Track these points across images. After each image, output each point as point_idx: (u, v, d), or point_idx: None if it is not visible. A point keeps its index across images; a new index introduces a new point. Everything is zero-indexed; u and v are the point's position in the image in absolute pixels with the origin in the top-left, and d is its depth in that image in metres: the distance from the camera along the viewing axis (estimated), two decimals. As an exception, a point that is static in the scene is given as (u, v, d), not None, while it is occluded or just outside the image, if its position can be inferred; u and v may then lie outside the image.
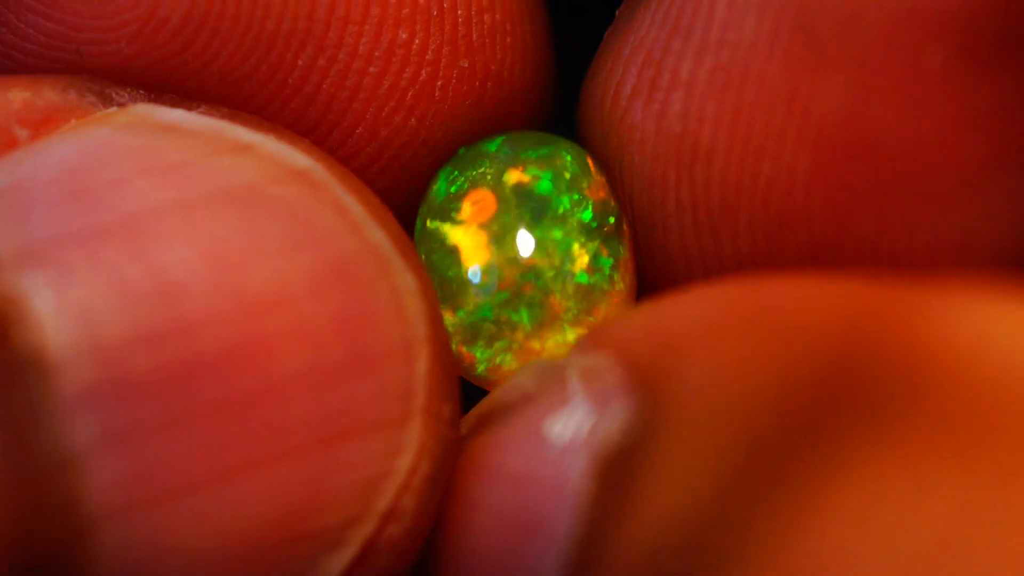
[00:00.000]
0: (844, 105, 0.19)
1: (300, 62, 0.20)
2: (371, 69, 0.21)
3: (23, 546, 0.16)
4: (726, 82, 0.20)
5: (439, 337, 0.19)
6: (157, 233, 0.17)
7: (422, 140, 0.21)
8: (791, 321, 0.17)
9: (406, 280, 0.18)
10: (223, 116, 0.19)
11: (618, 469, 0.17)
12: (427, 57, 0.21)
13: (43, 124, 0.19)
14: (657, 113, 0.20)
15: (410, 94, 0.21)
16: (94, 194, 0.18)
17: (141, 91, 0.20)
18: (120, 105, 0.19)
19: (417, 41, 0.21)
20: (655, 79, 0.20)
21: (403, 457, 0.18)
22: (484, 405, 0.20)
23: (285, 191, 0.18)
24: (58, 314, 0.17)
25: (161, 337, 0.17)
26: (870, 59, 0.19)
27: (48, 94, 0.19)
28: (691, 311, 0.18)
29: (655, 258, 0.21)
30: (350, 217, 0.18)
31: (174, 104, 0.19)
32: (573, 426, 0.18)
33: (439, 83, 0.21)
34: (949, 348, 0.15)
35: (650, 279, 0.21)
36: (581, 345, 0.19)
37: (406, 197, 0.22)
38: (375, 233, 0.18)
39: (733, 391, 0.16)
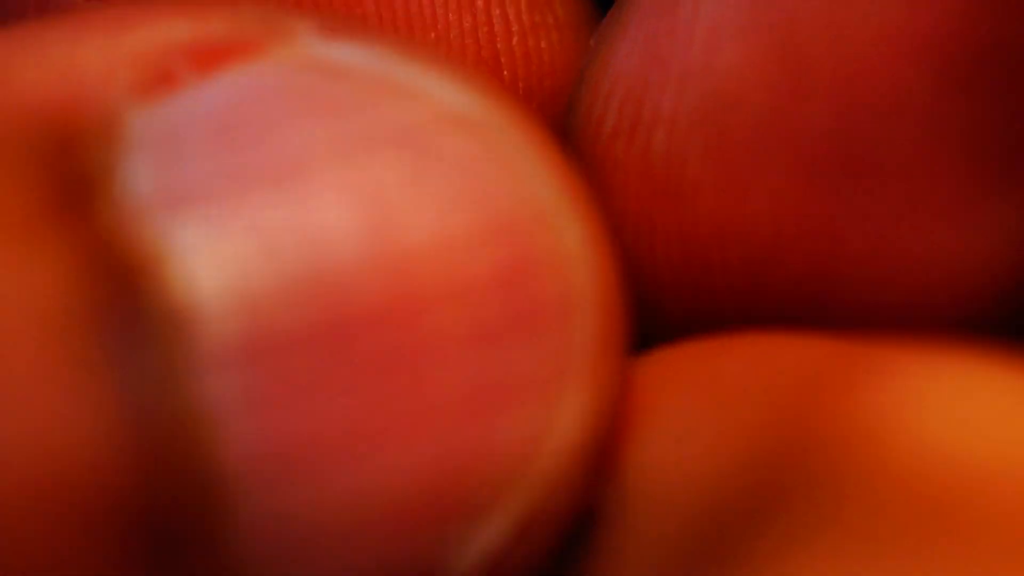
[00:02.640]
0: (831, 129, 0.19)
1: None
2: None
3: (155, 513, 0.15)
4: (710, 113, 0.19)
5: (608, 304, 0.18)
6: (311, 179, 0.16)
7: None
8: (737, 393, 0.17)
9: (572, 242, 0.18)
10: (397, 51, 0.18)
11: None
12: None
13: (207, 61, 0.17)
14: (640, 151, 0.20)
15: None
16: (249, 137, 0.17)
17: (309, 19, 0.18)
18: (286, 37, 0.18)
19: None
20: (636, 115, 0.20)
21: (559, 424, 0.17)
22: None
23: (450, 142, 0.17)
24: (203, 264, 0.16)
25: (311, 292, 0.16)
26: (855, 82, 0.18)
27: (216, 26, 0.18)
28: (641, 379, 0.18)
29: (647, 297, 0.21)
30: (518, 174, 0.18)
31: (342, 36, 0.18)
32: None
33: None
34: (895, 424, 0.15)
35: (643, 318, 0.21)
36: None
37: None
38: (543, 190, 0.18)
39: (681, 466, 0.17)
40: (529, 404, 0.17)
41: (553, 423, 0.17)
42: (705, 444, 0.17)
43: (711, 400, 0.17)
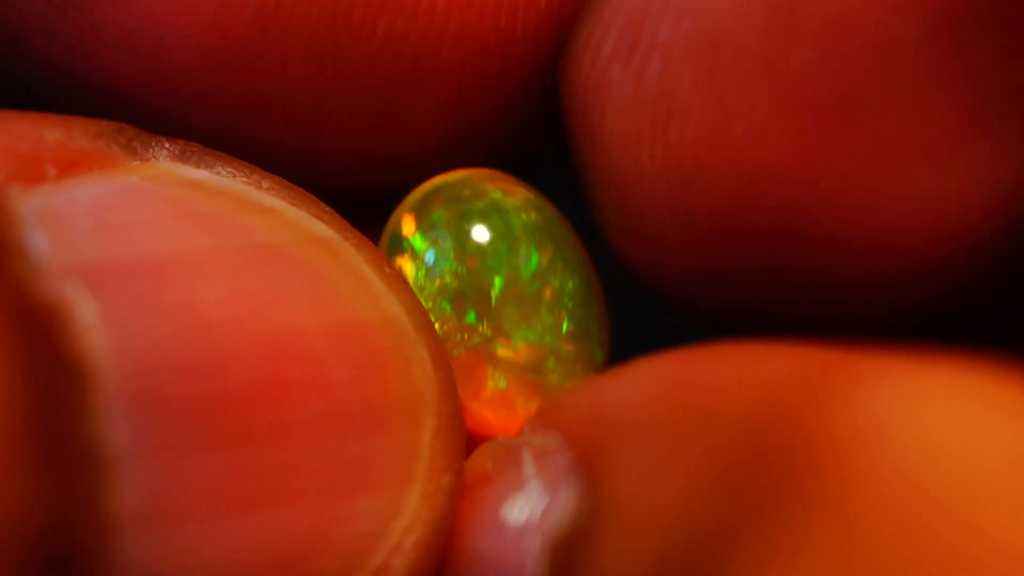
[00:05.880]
0: (818, 71, 0.19)
1: (379, 30, 0.21)
2: (452, 26, 0.21)
3: (49, 538, 0.17)
4: (703, 45, 0.20)
5: (448, 410, 0.20)
6: (192, 272, 0.18)
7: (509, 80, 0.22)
8: (715, 406, 0.18)
9: (419, 352, 0.19)
10: (247, 177, 0.20)
11: (568, 553, 0.18)
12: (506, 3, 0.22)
13: (72, 166, 0.19)
14: (635, 74, 0.21)
15: (494, 41, 0.22)
16: (130, 229, 0.19)
17: (167, 144, 0.20)
18: (144, 160, 0.20)
19: None
20: (634, 41, 0.21)
21: (400, 519, 0.19)
22: None
23: (309, 254, 0.19)
24: (101, 324, 0.18)
25: (194, 364, 0.18)
26: (844, 28, 0.19)
27: (79, 139, 0.20)
28: (626, 391, 0.19)
29: (627, 216, 0.22)
30: (367, 285, 0.20)
31: (199, 162, 0.20)
32: (528, 509, 0.19)
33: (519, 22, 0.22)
34: (868, 439, 0.16)
35: (621, 238, 0.22)
36: (534, 423, 0.20)
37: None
38: (392, 305, 0.20)
39: (660, 482, 0.17)
40: (376, 493, 0.19)
41: (396, 516, 0.19)
42: (683, 465, 0.17)
43: (690, 415, 0.18)
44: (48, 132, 0.20)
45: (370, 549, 0.19)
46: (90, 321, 0.18)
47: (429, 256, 0.22)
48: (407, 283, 0.20)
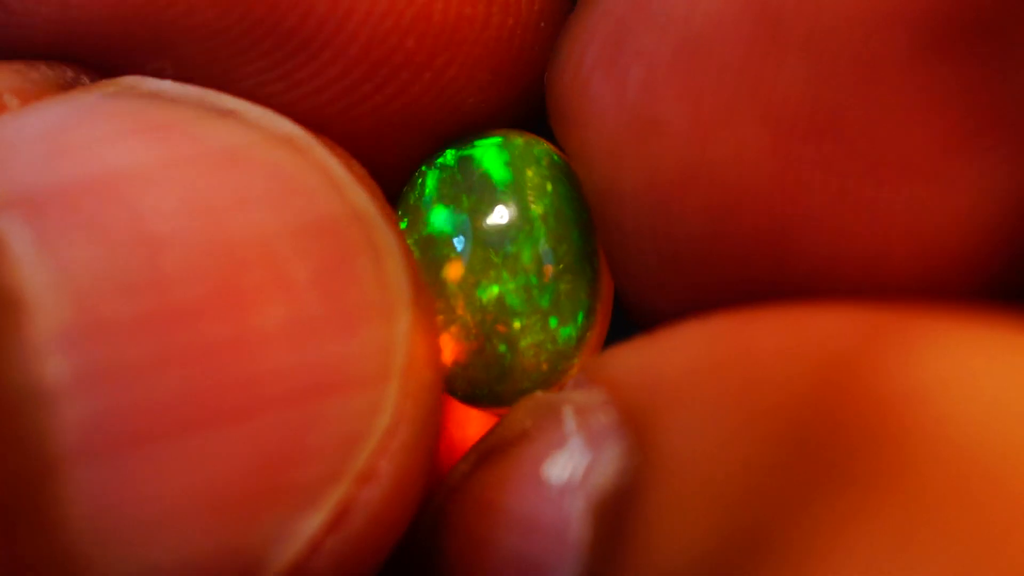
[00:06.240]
0: (803, 87, 0.19)
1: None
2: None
3: None
4: (686, 59, 0.19)
5: (421, 302, 0.19)
6: (139, 186, 0.18)
7: (420, 63, 0.21)
8: (768, 371, 0.17)
9: (388, 243, 0.19)
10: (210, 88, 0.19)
11: (613, 513, 0.17)
12: None
13: (35, 96, 0.19)
14: (617, 86, 0.20)
15: (408, 14, 0.21)
16: (77, 150, 0.18)
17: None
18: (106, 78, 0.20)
19: None
20: (617, 51, 0.20)
21: (380, 417, 0.18)
22: (485, 441, 0.20)
23: (269, 153, 0.19)
24: (36, 255, 0.17)
25: (139, 283, 0.17)
26: (830, 43, 0.18)
27: (43, 70, 0.19)
28: (678, 352, 0.18)
29: (611, 233, 0.21)
30: (334, 180, 0.19)
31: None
32: (571, 467, 0.18)
33: (440, 4, 0.21)
34: (923, 404, 0.16)
35: (609, 259, 0.22)
36: (577, 378, 0.20)
37: (404, 121, 0.22)
38: (359, 196, 0.19)
39: (713, 447, 0.17)
40: (351, 393, 0.18)
41: (375, 414, 0.18)
42: (736, 430, 0.17)
43: (743, 379, 0.18)
44: (9, 67, 0.19)
45: (351, 452, 0.18)
46: (23, 252, 0.17)
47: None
48: (373, 181, 0.20)
